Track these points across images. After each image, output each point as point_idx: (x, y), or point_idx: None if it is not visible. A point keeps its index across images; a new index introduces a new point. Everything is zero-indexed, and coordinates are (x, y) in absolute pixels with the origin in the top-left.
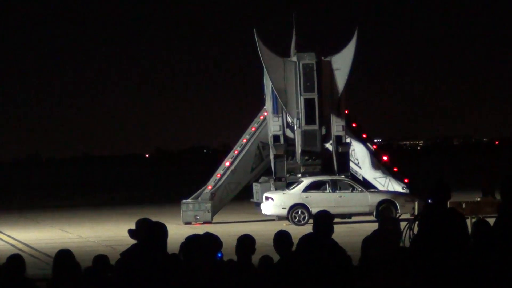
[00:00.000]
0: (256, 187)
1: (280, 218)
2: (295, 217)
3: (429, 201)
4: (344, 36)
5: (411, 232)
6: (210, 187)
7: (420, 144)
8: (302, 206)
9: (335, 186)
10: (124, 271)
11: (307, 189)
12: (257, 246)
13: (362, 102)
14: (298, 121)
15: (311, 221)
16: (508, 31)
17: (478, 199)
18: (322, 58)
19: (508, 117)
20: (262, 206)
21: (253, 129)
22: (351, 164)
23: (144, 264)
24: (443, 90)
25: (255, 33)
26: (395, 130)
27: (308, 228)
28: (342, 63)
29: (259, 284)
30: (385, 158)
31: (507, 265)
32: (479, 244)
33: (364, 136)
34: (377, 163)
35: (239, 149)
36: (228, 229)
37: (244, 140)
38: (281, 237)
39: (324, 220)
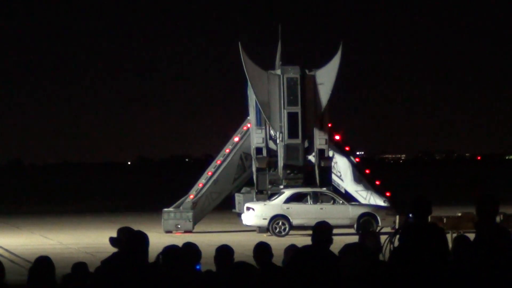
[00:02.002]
0: (238, 197)
1: (261, 228)
2: (275, 228)
3: (410, 215)
4: (331, 48)
5: (391, 245)
6: (192, 196)
7: (402, 158)
8: (283, 217)
9: (317, 198)
10: (103, 279)
11: (288, 200)
12: (237, 257)
13: (345, 115)
14: (281, 134)
15: (292, 232)
16: (491, 47)
17: (459, 214)
18: (307, 72)
19: (490, 133)
20: (243, 216)
21: (236, 139)
22: (334, 177)
23: (124, 272)
24: (426, 105)
25: (239, 45)
26: (377, 144)
27: (288, 239)
28: (326, 78)
29: None
30: (367, 171)
31: (487, 281)
32: (459, 260)
33: (347, 149)
34: (359, 176)
35: (221, 159)
36: (209, 239)
37: (227, 150)
38: (261, 248)
39: (321, 230)
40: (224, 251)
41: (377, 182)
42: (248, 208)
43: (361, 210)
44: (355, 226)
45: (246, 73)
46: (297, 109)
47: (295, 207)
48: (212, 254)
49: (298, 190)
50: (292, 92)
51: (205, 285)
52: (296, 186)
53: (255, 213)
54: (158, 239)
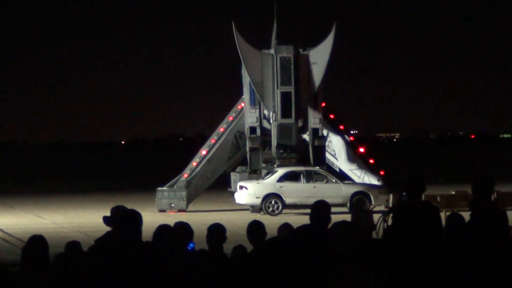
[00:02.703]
0: (234, 176)
1: (253, 207)
2: (268, 207)
3: (404, 194)
4: (326, 27)
5: (385, 224)
6: (186, 175)
7: (396, 137)
8: (276, 196)
9: (310, 177)
10: (97, 257)
11: (282, 179)
12: (231, 235)
13: (340, 94)
14: (274, 114)
15: (285, 211)
16: (486, 26)
17: (453, 192)
18: (300, 51)
19: (485, 112)
20: (236, 195)
21: (230, 118)
22: (328, 156)
23: (118, 251)
24: (421, 83)
25: (233, 25)
26: (372, 123)
27: (281, 218)
28: (319, 57)
29: (232, 273)
30: (361, 150)
31: (480, 259)
32: (452, 238)
33: (341, 127)
34: (353, 155)
35: (216, 138)
36: (203, 218)
37: (221, 129)
38: (255, 227)
39: (320, 209)
40: (216, 230)
41: (371, 161)
42: (241, 187)
43: (354, 189)
44: (348, 204)
45: (239, 53)
46: (291, 89)
47: (288, 185)
48: (205, 233)
49: (291, 169)
50: (285, 72)
51: (198, 264)
52: (290, 165)
53: (248, 192)
54: (152, 218)
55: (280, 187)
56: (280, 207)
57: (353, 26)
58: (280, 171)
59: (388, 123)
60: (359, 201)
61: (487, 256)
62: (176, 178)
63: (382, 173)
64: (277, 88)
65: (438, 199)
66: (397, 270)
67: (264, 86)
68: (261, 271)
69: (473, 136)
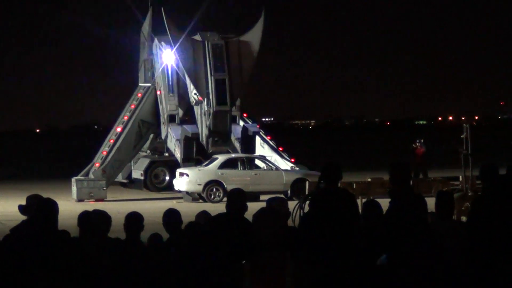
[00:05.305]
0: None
1: (193, 195)
2: (210, 195)
3: (321, 181)
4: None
5: (301, 211)
6: (97, 164)
7: (312, 124)
8: (218, 183)
9: (250, 164)
10: (12, 246)
11: (223, 166)
12: (147, 224)
13: (254, 80)
14: (209, 101)
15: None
16: (402, 9)
17: (369, 179)
18: (227, 38)
19: (400, 98)
20: (175, 182)
21: (132, 106)
22: (235, 142)
23: (34, 240)
24: (336, 70)
25: (163, 11)
26: (287, 110)
27: (221, 205)
28: (249, 46)
29: (148, 261)
30: (269, 137)
31: (397, 245)
32: (369, 224)
33: (245, 115)
34: (261, 143)
35: (121, 126)
36: (121, 207)
37: (125, 118)
38: (170, 215)
39: (236, 197)
40: (134, 218)
41: (280, 149)
42: (181, 174)
43: (295, 176)
44: (289, 192)
45: (170, 40)
46: (225, 76)
47: (230, 172)
48: (121, 221)
49: (232, 156)
50: (218, 59)
51: (116, 252)
52: (222, 152)
53: (189, 179)
54: (67, 207)
55: (222, 174)
56: (221, 195)
57: (275, 12)
58: (221, 158)
59: (303, 111)
60: (302, 188)
61: (405, 242)
62: (88, 167)
63: (293, 160)
64: (211, 75)
65: (354, 186)
66: (316, 258)
67: (197, 73)
68: (178, 259)
69: (388, 123)
